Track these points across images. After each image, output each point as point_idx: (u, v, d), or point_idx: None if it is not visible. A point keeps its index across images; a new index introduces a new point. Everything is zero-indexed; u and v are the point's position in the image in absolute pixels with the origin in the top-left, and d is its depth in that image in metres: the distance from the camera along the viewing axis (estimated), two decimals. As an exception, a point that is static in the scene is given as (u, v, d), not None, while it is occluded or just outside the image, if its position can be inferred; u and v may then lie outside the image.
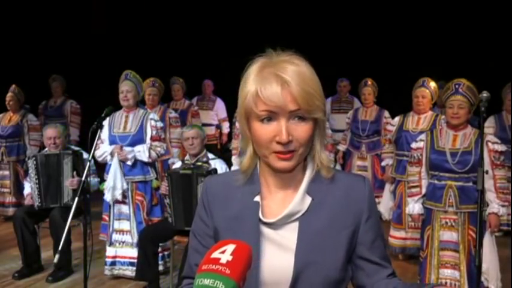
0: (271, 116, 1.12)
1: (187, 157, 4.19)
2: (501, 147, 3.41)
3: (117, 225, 4.30)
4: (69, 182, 4.32)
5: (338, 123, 6.76)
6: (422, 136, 3.68)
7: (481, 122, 2.81)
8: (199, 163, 4.03)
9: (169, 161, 5.50)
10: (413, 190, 3.64)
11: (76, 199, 3.32)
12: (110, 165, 4.23)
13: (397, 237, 4.76)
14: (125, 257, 4.27)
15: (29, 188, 4.55)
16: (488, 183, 3.33)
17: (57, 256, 3.23)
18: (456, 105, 3.41)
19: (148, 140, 4.26)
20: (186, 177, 3.84)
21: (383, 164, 5.26)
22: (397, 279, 1.23)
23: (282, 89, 1.10)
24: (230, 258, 0.97)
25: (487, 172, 3.17)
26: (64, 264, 4.29)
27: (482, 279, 3.31)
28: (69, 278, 4.37)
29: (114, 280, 4.29)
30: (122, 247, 4.27)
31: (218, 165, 4.03)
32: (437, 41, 7.28)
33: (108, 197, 4.21)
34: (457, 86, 3.43)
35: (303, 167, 1.22)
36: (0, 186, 6.17)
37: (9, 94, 6.12)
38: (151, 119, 4.29)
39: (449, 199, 3.44)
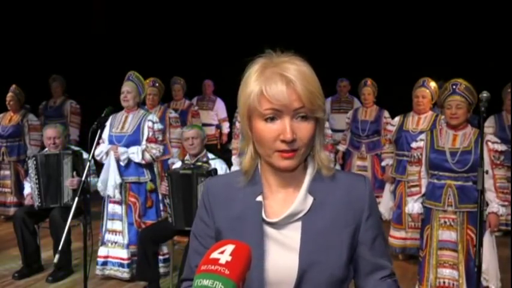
0: (275, 115, 1.13)
1: (187, 157, 4.18)
2: (501, 147, 3.42)
3: (110, 225, 4.29)
4: (69, 182, 4.32)
5: (338, 123, 6.76)
6: (423, 136, 3.69)
7: (481, 122, 2.81)
8: (199, 163, 4.03)
9: (169, 161, 5.50)
10: (413, 189, 3.65)
11: (76, 199, 3.32)
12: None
13: (397, 237, 4.76)
14: (115, 258, 4.24)
15: (29, 188, 4.55)
16: (488, 183, 3.33)
17: (57, 256, 3.23)
18: (454, 105, 3.42)
19: (143, 142, 4.24)
20: (186, 177, 3.84)
21: (383, 164, 5.26)
22: (388, 282, 1.23)
23: (287, 88, 1.12)
24: (229, 258, 0.97)
25: (487, 172, 3.17)
26: (64, 264, 4.29)
27: (482, 279, 3.31)
28: (69, 278, 4.37)
29: (114, 280, 4.29)
30: (114, 247, 4.25)
31: (218, 165, 4.03)
32: (437, 41, 7.28)
33: (99, 187, 4.19)
34: (454, 87, 3.44)
35: (303, 167, 1.23)
36: (1, 186, 6.18)
37: (10, 94, 6.12)
38: (149, 120, 4.25)
39: (448, 198, 3.45)
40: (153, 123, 4.27)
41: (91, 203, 4.44)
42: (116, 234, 4.27)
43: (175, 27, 8.70)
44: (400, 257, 4.79)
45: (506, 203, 3.43)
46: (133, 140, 4.23)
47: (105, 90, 6.41)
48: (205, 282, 0.94)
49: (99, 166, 4.50)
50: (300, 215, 1.18)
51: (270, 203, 1.22)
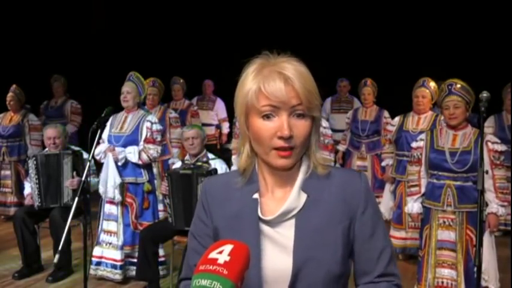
0: (273, 112, 1.15)
1: (187, 157, 4.18)
2: (501, 147, 3.42)
3: (105, 225, 4.28)
4: (69, 183, 4.32)
5: (338, 123, 6.76)
6: (422, 135, 3.69)
7: (481, 122, 2.81)
8: (199, 163, 4.03)
9: (169, 161, 5.51)
10: (413, 189, 3.65)
11: (76, 199, 3.32)
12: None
13: (397, 237, 4.76)
14: (108, 259, 4.22)
15: (29, 188, 4.56)
16: (488, 183, 3.33)
17: (57, 256, 3.24)
18: (451, 105, 3.42)
19: (141, 142, 4.22)
20: (186, 177, 3.84)
21: (383, 164, 5.26)
22: (383, 285, 1.21)
23: (285, 85, 1.14)
24: (228, 258, 0.97)
25: (487, 172, 3.17)
26: (64, 264, 4.29)
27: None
28: (69, 278, 4.36)
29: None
30: (108, 248, 4.24)
31: (218, 165, 4.03)
32: (437, 41, 7.27)
33: (100, 189, 4.19)
34: (450, 87, 3.44)
35: (299, 166, 1.24)
36: (2, 186, 6.18)
37: (10, 94, 6.12)
38: (148, 120, 4.24)
39: (447, 198, 3.45)
40: (152, 123, 4.25)
41: (91, 203, 4.45)
42: (110, 235, 4.25)
43: (175, 27, 8.70)
44: (400, 257, 4.79)
45: (505, 203, 3.43)
46: (132, 140, 4.22)
47: (105, 90, 6.42)
48: (204, 282, 0.94)
49: (99, 166, 4.51)
50: (294, 213, 1.19)
51: (266, 201, 1.23)
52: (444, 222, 3.48)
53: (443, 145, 3.49)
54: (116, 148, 4.19)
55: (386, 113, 5.88)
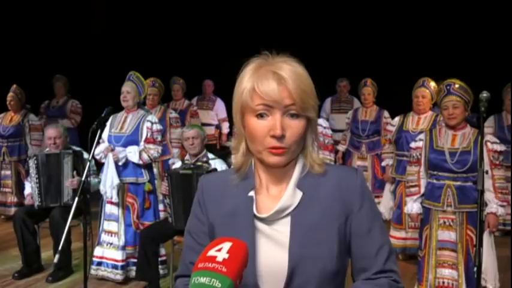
0: (266, 111, 1.15)
1: (187, 157, 4.19)
2: (500, 147, 3.42)
3: (106, 225, 4.29)
4: (69, 183, 4.32)
5: (338, 123, 6.76)
6: (422, 135, 3.69)
7: (481, 122, 2.81)
8: (200, 163, 4.04)
9: (170, 161, 5.51)
10: (412, 189, 3.65)
11: (76, 199, 3.33)
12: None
13: (397, 237, 4.76)
14: (109, 259, 4.22)
15: (29, 188, 4.56)
16: (487, 183, 3.32)
17: (57, 256, 3.24)
18: (450, 105, 3.42)
19: (142, 142, 4.23)
20: (186, 177, 3.84)
21: (383, 164, 5.26)
22: (381, 281, 1.20)
23: (278, 85, 1.14)
24: (226, 256, 0.98)
25: (487, 172, 3.17)
26: (64, 264, 4.29)
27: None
28: (69, 278, 4.37)
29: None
30: (109, 248, 4.24)
31: (218, 165, 4.03)
32: (437, 41, 7.27)
33: (102, 190, 4.19)
34: (448, 87, 3.45)
35: (295, 164, 1.24)
36: (2, 186, 6.19)
37: (10, 94, 6.13)
38: (148, 120, 4.24)
39: (447, 199, 3.44)
40: (152, 123, 4.26)
41: (91, 203, 4.46)
42: (111, 235, 4.26)
43: (175, 27, 8.70)
44: (400, 257, 4.79)
45: (505, 203, 3.43)
46: (132, 140, 4.22)
47: (105, 90, 6.41)
48: (203, 279, 0.95)
49: (100, 166, 4.51)
50: (289, 210, 1.19)
51: (262, 198, 1.24)
52: (444, 222, 3.48)
53: (442, 145, 3.49)
54: (116, 148, 4.19)
55: (386, 113, 5.88)
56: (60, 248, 3.27)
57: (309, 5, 8.04)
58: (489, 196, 3.38)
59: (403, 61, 7.24)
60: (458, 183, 3.41)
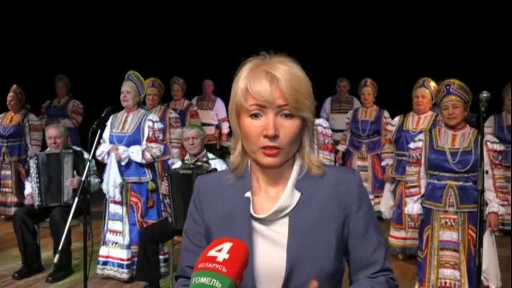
0: (260, 111, 1.15)
1: (187, 157, 4.19)
2: (500, 147, 3.42)
3: (111, 225, 4.30)
4: (69, 183, 4.32)
5: (338, 123, 6.76)
6: (421, 136, 3.68)
7: (481, 122, 2.81)
8: (199, 163, 4.04)
9: (169, 161, 5.51)
10: (412, 190, 3.64)
11: (76, 199, 3.33)
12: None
13: (397, 237, 4.76)
14: (115, 258, 4.24)
15: (29, 188, 4.57)
16: (488, 183, 3.33)
17: (57, 256, 3.24)
18: (450, 105, 3.42)
19: (144, 141, 4.24)
20: (186, 177, 3.84)
21: (383, 164, 5.26)
22: (379, 279, 1.22)
23: (270, 85, 1.14)
24: (227, 256, 0.98)
25: (487, 172, 3.17)
26: (64, 264, 4.29)
27: (482, 278, 3.31)
28: (69, 278, 4.37)
29: (114, 280, 4.28)
30: (114, 247, 4.25)
31: (218, 165, 4.03)
32: (437, 41, 7.27)
33: (105, 189, 4.20)
34: (447, 87, 3.45)
35: (292, 164, 1.24)
36: (2, 186, 6.19)
37: (10, 94, 6.13)
38: (149, 120, 4.25)
39: (449, 199, 3.44)
40: (154, 122, 4.27)
41: (91, 203, 4.46)
42: (116, 235, 4.27)
43: (175, 27, 8.70)
44: (400, 257, 4.79)
45: (505, 203, 3.43)
46: (134, 140, 4.23)
47: (105, 90, 6.41)
48: (203, 280, 0.95)
49: (101, 166, 4.51)
50: (287, 211, 1.19)
51: (259, 199, 1.23)
52: (446, 222, 3.47)
53: (443, 145, 3.49)
54: (119, 147, 4.20)
55: (386, 113, 5.89)
56: (60, 248, 3.27)
57: (309, 5, 8.04)
58: (490, 196, 3.38)
59: (403, 61, 7.25)
60: (460, 183, 3.41)
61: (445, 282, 3.47)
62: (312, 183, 1.22)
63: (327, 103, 7.13)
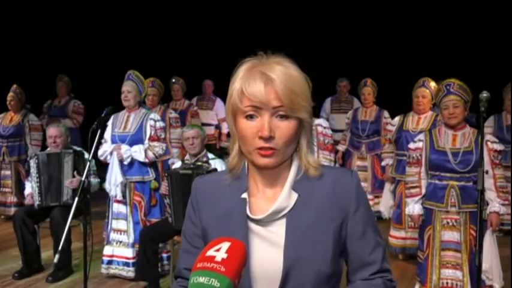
0: (255, 112, 1.15)
1: (187, 157, 4.19)
2: (499, 147, 3.43)
3: (115, 224, 4.31)
4: (69, 183, 4.33)
5: (338, 123, 6.76)
6: (421, 136, 3.68)
7: (481, 122, 2.81)
8: (199, 163, 4.04)
9: (169, 161, 5.51)
10: (413, 190, 3.63)
11: (76, 199, 3.33)
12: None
13: (397, 237, 4.76)
14: (120, 257, 4.26)
15: (29, 188, 4.57)
16: (488, 183, 3.33)
17: (57, 256, 3.24)
18: (451, 105, 3.42)
19: (146, 140, 4.25)
20: (186, 177, 3.84)
21: (383, 163, 5.26)
22: (377, 281, 1.21)
23: (265, 86, 1.13)
24: (225, 256, 0.98)
25: (487, 172, 3.17)
26: (64, 264, 4.29)
27: (484, 277, 3.31)
28: (69, 278, 4.37)
29: (114, 280, 4.29)
30: (119, 246, 4.27)
31: (218, 165, 4.03)
32: (437, 41, 7.28)
33: (107, 188, 4.21)
34: (448, 87, 3.44)
35: (289, 166, 1.23)
36: (2, 186, 6.19)
37: (10, 94, 6.13)
38: (151, 118, 4.27)
39: (451, 199, 3.44)
40: (155, 121, 4.28)
41: (91, 203, 4.46)
42: (120, 234, 4.29)
43: (175, 27, 8.71)
44: (400, 257, 4.79)
45: (506, 202, 3.43)
46: (137, 139, 4.25)
47: (105, 90, 6.42)
48: (201, 279, 0.95)
49: (103, 166, 4.51)
50: (285, 212, 1.19)
51: (256, 200, 1.23)
52: (448, 223, 3.47)
53: (444, 145, 3.49)
54: (122, 146, 4.21)
55: (386, 113, 5.89)
56: (60, 248, 3.27)
57: (309, 5, 8.05)
58: (491, 195, 3.38)
59: (403, 61, 7.25)
60: (462, 183, 3.41)
61: (447, 283, 3.47)
62: (309, 184, 1.21)
63: (327, 103, 7.13)
